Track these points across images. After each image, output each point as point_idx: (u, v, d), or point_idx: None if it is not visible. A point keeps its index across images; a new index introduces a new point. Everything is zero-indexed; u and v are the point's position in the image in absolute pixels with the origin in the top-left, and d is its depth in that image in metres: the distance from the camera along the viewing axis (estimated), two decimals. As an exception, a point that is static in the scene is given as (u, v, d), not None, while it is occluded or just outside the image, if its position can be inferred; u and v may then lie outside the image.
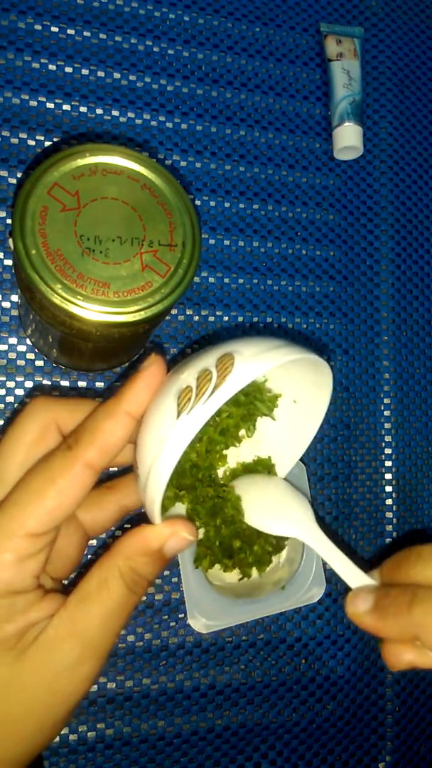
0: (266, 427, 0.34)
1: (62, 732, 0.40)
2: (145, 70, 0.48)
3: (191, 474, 0.31)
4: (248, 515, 0.32)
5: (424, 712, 0.49)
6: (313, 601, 0.43)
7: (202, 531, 0.32)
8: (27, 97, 0.44)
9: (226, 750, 0.44)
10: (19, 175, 0.43)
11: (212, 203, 0.48)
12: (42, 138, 0.44)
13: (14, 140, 0.43)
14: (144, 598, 0.42)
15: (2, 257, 0.43)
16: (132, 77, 0.47)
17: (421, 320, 0.54)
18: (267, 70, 0.52)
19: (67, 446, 0.26)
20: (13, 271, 0.42)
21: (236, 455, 0.34)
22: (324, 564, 0.45)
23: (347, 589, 0.31)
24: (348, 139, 0.51)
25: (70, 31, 0.46)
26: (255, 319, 0.48)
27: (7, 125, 0.43)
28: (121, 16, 0.48)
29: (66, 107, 0.45)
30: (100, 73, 0.46)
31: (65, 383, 0.43)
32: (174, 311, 0.46)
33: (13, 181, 0.43)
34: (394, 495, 0.51)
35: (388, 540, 0.50)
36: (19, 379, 0.42)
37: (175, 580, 0.43)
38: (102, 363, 0.41)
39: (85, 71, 0.46)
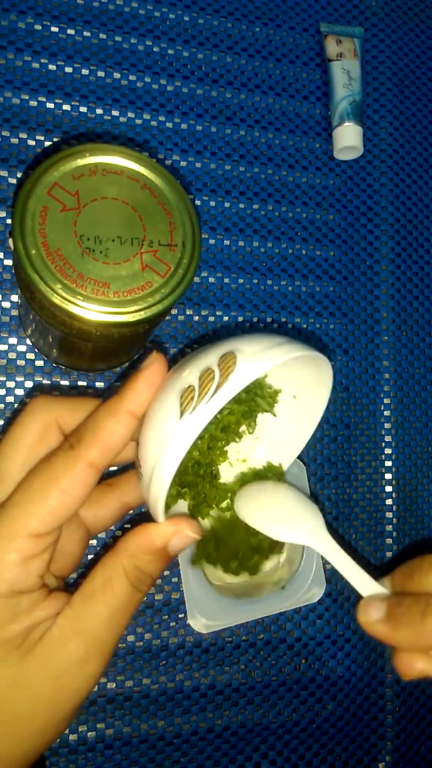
0: (266, 423, 0.34)
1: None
2: (145, 70, 0.48)
3: (193, 471, 0.32)
4: (259, 522, 0.32)
5: (424, 712, 0.49)
6: (313, 601, 0.43)
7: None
8: (27, 97, 0.44)
9: (226, 750, 0.44)
10: (19, 175, 0.43)
11: (212, 203, 0.48)
12: (42, 138, 0.44)
13: (14, 140, 0.43)
14: (144, 597, 0.42)
15: (2, 257, 0.43)
16: (132, 77, 0.47)
17: (421, 320, 0.54)
18: (267, 70, 0.52)
19: (69, 446, 0.26)
20: (13, 271, 0.42)
21: (236, 451, 0.34)
22: (324, 564, 0.45)
23: (358, 597, 0.31)
24: (348, 139, 0.51)
25: (70, 31, 0.46)
26: (255, 319, 0.48)
27: (7, 125, 0.43)
28: (121, 16, 0.48)
29: (66, 107, 0.45)
30: (100, 73, 0.46)
31: (65, 383, 0.43)
32: (174, 311, 0.46)
33: (13, 181, 0.43)
34: (394, 495, 0.51)
35: (388, 540, 0.50)
36: (19, 379, 0.42)
37: (175, 580, 0.43)
38: (102, 363, 0.41)
39: (85, 71, 0.46)
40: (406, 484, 0.51)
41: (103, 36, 0.47)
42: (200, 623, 0.41)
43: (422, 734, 0.49)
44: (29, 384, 0.42)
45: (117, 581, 0.26)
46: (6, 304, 0.42)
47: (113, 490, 0.32)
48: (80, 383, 0.43)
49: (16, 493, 0.26)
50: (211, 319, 0.47)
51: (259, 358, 0.25)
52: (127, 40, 0.48)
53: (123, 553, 0.27)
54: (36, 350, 0.42)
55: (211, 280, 0.47)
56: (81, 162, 0.30)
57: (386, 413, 0.51)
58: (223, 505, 0.33)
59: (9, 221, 0.43)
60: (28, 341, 0.42)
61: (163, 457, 0.25)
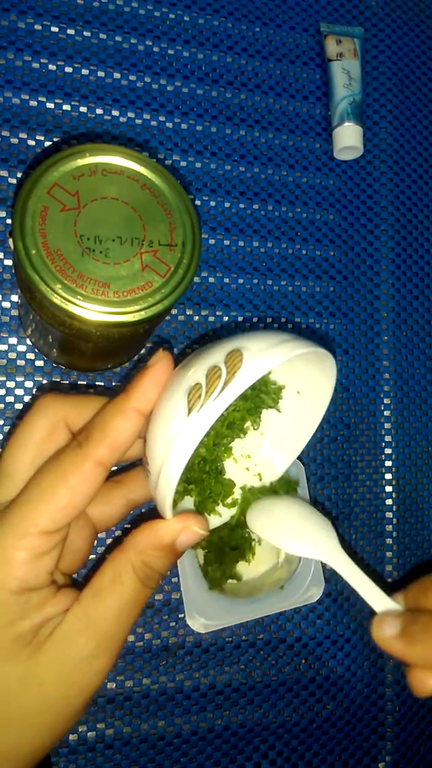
0: (271, 419, 0.34)
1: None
2: (145, 70, 0.48)
3: (199, 467, 0.32)
4: (272, 536, 0.32)
5: (424, 712, 0.49)
6: (312, 600, 0.43)
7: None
8: (27, 97, 0.44)
9: (226, 750, 0.44)
10: (19, 175, 0.43)
11: (212, 203, 0.48)
12: (42, 138, 0.44)
13: (14, 140, 0.43)
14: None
15: (2, 257, 0.43)
16: (132, 77, 0.47)
17: (421, 320, 0.54)
18: (267, 70, 0.52)
19: (78, 444, 0.26)
20: (13, 271, 0.42)
21: (241, 447, 0.35)
22: (323, 564, 0.45)
23: (372, 613, 0.31)
24: (348, 139, 0.51)
25: (70, 31, 0.46)
26: (255, 319, 0.48)
27: (7, 125, 0.43)
28: (121, 16, 0.48)
29: (66, 107, 0.45)
30: (100, 73, 0.46)
31: (65, 383, 0.43)
32: (174, 311, 0.46)
33: (13, 181, 0.43)
34: (394, 495, 0.51)
35: (388, 540, 0.50)
36: (19, 379, 0.42)
37: (175, 580, 0.43)
38: (102, 363, 0.41)
39: (85, 71, 0.46)
40: (406, 484, 0.51)
41: (103, 36, 0.47)
42: (198, 623, 0.41)
43: (422, 734, 0.49)
44: (29, 384, 0.42)
45: (126, 577, 0.26)
46: (6, 304, 0.42)
47: (120, 487, 0.32)
48: (80, 383, 0.43)
49: (25, 491, 0.26)
50: (211, 319, 0.47)
51: (266, 355, 0.25)
52: (127, 40, 0.48)
53: (131, 549, 0.27)
54: (36, 350, 0.42)
55: (211, 280, 0.47)
56: (81, 162, 0.30)
57: (386, 413, 0.51)
58: (228, 500, 0.33)
59: (9, 221, 0.43)
60: (28, 341, 0.42)
61: (171, 455, 0.25)
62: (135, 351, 0.43)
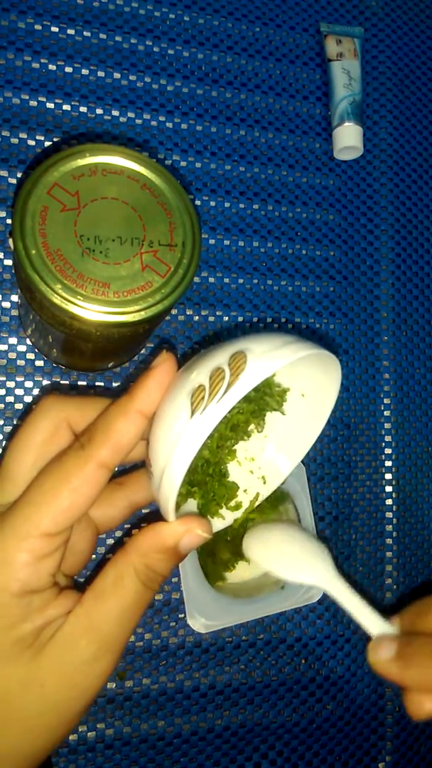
0: (275, 421, 0.34)
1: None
2: (145, 70, 0.48)
3: (202, 470, 0.32)
4: (268, 563, 0.32)
5: (424, 712, 0.49)
6: (312, 601, 0.43)
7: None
8: (27, 97, 0.44)
9: (226, 750, 0.44)
10: (19, 175, 0.43)
11: (212, 203, 0.48)
12: (42, 138, 0.44)
13: (14, 140, 0.43)
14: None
15: (2, 257, 0.43)
16: (132, 77, 0.47)
17: (421, 320, 0.54)
18: (267, 70, 0.52)
19: (80, 445, 0.26)
20: (13, 271, 0.42)
21: (245, 449, 0.34)
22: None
23: (368, 637, 0.31)
24: (348, 139, 0.51)
25: (70, 31, 0.46)
26: (255, 319, 0.48)
27: (7, 125, 0.43)
28: (121, 16, 0.48)
29: (66, 107, 0.45)
30: (100, 73, 0.46)
31: (65, 383, 0.43)
32: (174, 311, 0.46)
33: (13, 181, 0.43)
34: (394, 495, 0.51)
35: (388, 540, 0.50)
36: (19, 379, 0.42)
37: (175, 580, 0.43)
38: (102, 363, 0.41)
39: (85, 71, 0.46)
40: (406, 484, 0.51)
41: (103, 36, 0.47)
42: (199, 623, 0.41)
43: (422, 734, 0.49)
44: (29, 384, 0.42)
45: (128, 580, 0.26)
46: (6, 304, 0.42)
47: (122, 489, 0.32)
48: (80, 383, 0.43)
49: (27, 492, 0.26)
50: (211, 319, 0.47)
51: (269, 357, 0.25)
52: (127, 40, 0.48)
53: (134, 551, 0.27)
54: (36, 350, 0.42)
55: (211, 280, 0.47)
56: (81, 162, 0.30)
57: (386, 413, 0.51)
58: (232, 503, 0.33)
59: (9, 221, 0.43)
60: (28, 341, 0.42)
61: (173, 457, 0.25)
62: (135, 351, 0.43)
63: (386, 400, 0.52)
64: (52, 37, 0.46)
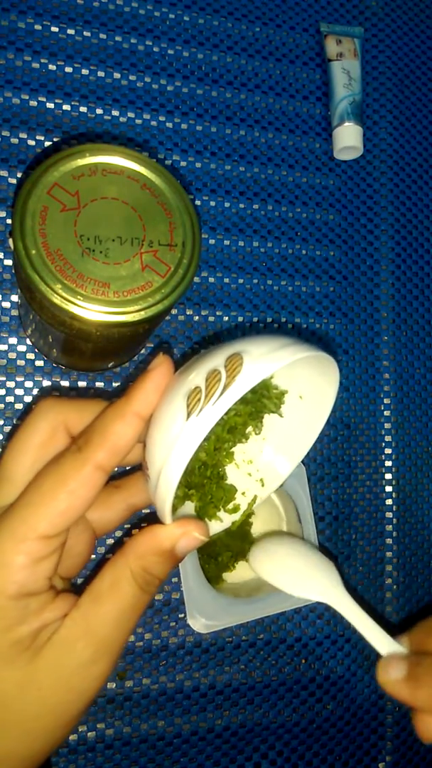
0: (273, 424, 0.34)
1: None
2: (145, 70, 0.48)
3: (200, 472, 0.32)
4: (275, 579, 0.32)
5: (424, 712, 0.49)
6: (312, 601, 0.43)
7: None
8: (27, 97, 0.44)
9: (226, 750, 0.44)
10: (19, 175, 0.43)
11: (212, 203, 0.48)
12: (42, 138, 0.44)
13: (14, 140, 0.43)
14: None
15: (2, 257, 0.43)
16: (132, 77, 0.47)
17: (421, 320, 0.54)
18: (267, 70, 0.52)
19: (77, 448, 0.26)
20: (13, 271, 0.42)
21: (243, 452, 0.34)
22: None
23: (377, 655, 0.31)
24: (348, 139, 0.51)
25: (70, 31, 0.46)
26: (255, 319, 0.48)
27: (7, 125, 0.43)
28: (121, 16, 0.48)
29: (66, 107, 0.45)
30: (100, 73, 0.46)
31: (65, 383, 0.43)
32: (174, 311, 0.46)
33: (13, 181, 0.43)
34: (394, 495, 0.51)
35: (388, 540, 0.50)
36: (19, 379, 0.42)
37: (175, 579, 0.43)
38: (102, 363, 0.41)
39: (85, 71, 0.46)
40: (406, 484, 0.51)
41: (103, 36, 0.47)
42: (200, 623, 0.41)
43: (422, 734, 0.49)
44: (29, 384, 0.42)
45: (124, 582, 0.26)
46: (6, 304, 0.42)
47: (120, 492, 0.32)
48: (80, 383, 0.43)
49: (24, 495, 0.26)
50: (211, 319, 0.47)
51: (266, 359, 0.25)
52: (127, 40, 0.48)
53: (131, 554, 0.27)
54: (36, 350, 0.42)
55: (211, 280, 0.47)
56: (81, 162, 0.30)
57: (386, 413, 0.51)
58: (230, 506, 0.33)
59: (9, 221, 0.43)
60: (28, 341, 0.42)
61: (170, 459, 0.25)
62: (135, 351, 0.43)
63: (386, 400, 0.52)
64: (52, 37, 0.46)
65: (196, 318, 0.47)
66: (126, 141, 0.47)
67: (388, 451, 0.51)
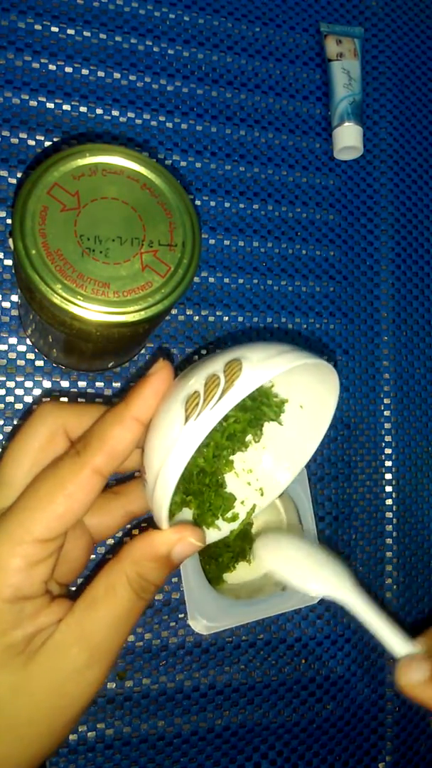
0: (274, 433, 0.34)
1: (62, 732, 0.40)
2: (145, 70, 0.48)
3: (198, 480, 0.31)
4: (285, 572, 0.31)
5: (424, 712, 0.49)
6: (312, 601, 0.43)
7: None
8: (27, 97, 0.44)
9: (226, 750, 0.44)
10: (19, 175, 0.43)
11: (212, 203, 0.48)
12: (42, 138, 0.44)
13: (14, 140, 0.43)
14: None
15: (2, 257, 0.43)
16: (132, 77, 0.47)
17: (421, 320, 0.54)
18: (267, 70, 0.52)
19: (76, 452, 0.26)
20: (13, 271, 0.42)
21: (243, 461, 0.34)
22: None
23: (393, 657, 0.30)
24: (348, 139, 0.51)
25: (70, 31, 0.46)
26: (255, 319, 0.48)
27: (7, 125, 0.43)
28: (121, 16, 0.48)
29: (66, 107, 0.45)
30: (100, 73, 0.46)
31: (65, 383, 0.43)
32: (174, 311, 0.46)
33: (13, 181, 0.43)
34: (394, 495, 0.51)
35: (388, 540, 0.50)
36: (19, 379, 0.42)
37: (175, 580, 0.43)
38: (102, 363, 0.41)
39: (85, 71, 0.46)
40: (406, 484, 0.51)
41: (103, 36, 0.47)
42: (201, 624, 0.41)
43: (422, 734, 0.49)
44: (29, 384, 0.42)
45: (120, 588, 0.26)
46: (6, 304, 0.42)
47: (118, 498, 0.32)
48: (80, 383, 0.43)
49: (22, 498, 0.26)
50: (211, 319, 0.47)
51: (265, 366, 0.25)
52: (127, 40, 0.48)
53: (126, 559, 0.27)
54: (36, 350, 0.42)
55: (211, 280, 0.47)
56: (81, 162, 0.30)
57: (386, 413, 0.51)
58: (229, 515, 0.33)
59: (9, 221, 0.43)
60: (28, 341, 0.42)
61: (167, 463, 0.25)
62: (135, 351, 0.43)
63: (386, 400, 0.52)
64: (52, 37, 0.46)
65: (196, 318, 0.47)
66: (126, 141, 0.47)
67: (388, 451, 0.51)
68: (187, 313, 0.46)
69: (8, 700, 0.25)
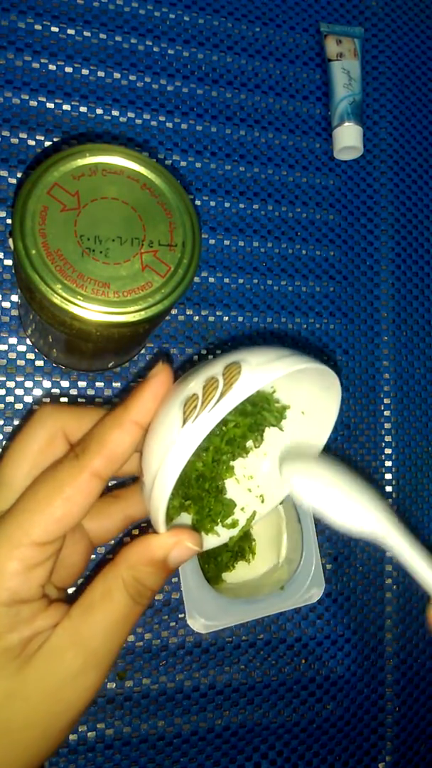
0: (275, 439, 0.34)
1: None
2: (145, 70, 0.48)
3: (198, 485, 0.31)
4: (319, 501, 0.28)
5: (424, 712, 0.49)
6: (312, 601, 0.43)
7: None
8: (27, 97, 0.44)
9: (226, 750, 0.44)
10: (19, 175, 0.43)
11: (212, 203, 0.48)
12: (42, 138, 0.44)
13: (14, 140, 0.43)
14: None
15: (2, 257, 0.43)
16: (132, 77, 0.47)
17: (421, 320, 0.54)
18: (267, 70, 0.52)
19: (75, 455, 0.26)
20: (13, 271, 0.42)
21: (244, 467, 0.34)
22: (323, 564, 0.45)
23: (427, 597, 0.28)
24: (348, 139, 0.51)
25: (70, 31, 0.46)
26: (255, 319, 0.48)
27: (7, 125, 0.43)
28: (121, 16, 0.48)
29: (66, 107, 0.45)
30: (100, 73, 0.46)
31: (65, 383, 0.43)
32: (174, 311, 0.46)
33: (13, 181, 0.43)
34: (394, 495, 0.51)
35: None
36: (19, 379, 0.42)
37: (175, 580, 0.43)
38: (102, 363, 0.41)
39: (85, 71, 0.46)
40: (406, 484, 0.51)
41: (103, 36, 0.47)
42: (199, 623, 0.41)
43: (422, 734, 0.49)
44: (29, 384, 0.42)
45: (116, 593, 0.26)
46: (6, 304, 0.42)
47: (118, 502, 0.32)
48: (80, 383, 0.43)
49: (20, 500, 0.26)
50: (211, 319, 0.47)
51: (264, 369, 0.25)
52: (127, 40, 0.48)
53: (123, 564, 0.26)
54: (36, 350, 0.42)
55: (211, 280, 0.47)
56: (81, 162, 0.30)
57: (386, 413, 0.51)
58: (228, 521, 0.32)
59: (9, 221, 0.43)
60: (28, 341, 0.42)
61: (164, 465, 0.24)
62: (135, 351, 0.43)
63: (386, 400, 0.52)
64: (52, 37, 0.46)
65: (196, 318, 0.47)
66: (126, 141, 0.47)
67: (388, 451, 0.51)
68: (187, 313, 0.46)
69: (2, 704, 0.25)
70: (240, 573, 0.44)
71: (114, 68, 0.47)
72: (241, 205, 0.49)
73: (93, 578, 0.27)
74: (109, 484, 0.42)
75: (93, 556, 0.42)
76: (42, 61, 0.45)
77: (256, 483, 0.34)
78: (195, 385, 0.25)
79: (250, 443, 0.33)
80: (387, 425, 0.51)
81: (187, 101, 0.49)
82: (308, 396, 0.32)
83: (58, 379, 0.43)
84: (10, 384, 0.42)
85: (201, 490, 0.31)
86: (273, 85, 0.52)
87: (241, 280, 0.48)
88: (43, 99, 0.45)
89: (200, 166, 0.48)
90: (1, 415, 0.41)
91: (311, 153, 0.52)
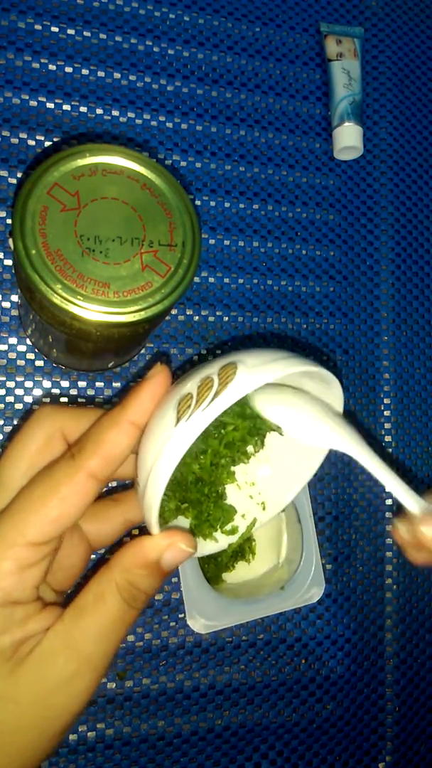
0: (277, 445, 0.33)
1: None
2: (145, 70, 0.48)
3: (197, 489, 0.31)
4: (291, 424, 0.29)
5: (424, 712, 0.49)
6: (312, 601, 0.43)
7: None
8: (27, 97, 0.44)
9: (226, 750, 0.44)
10: (19, 175, 0.43)
11: (212, 203, 0.48)
12: (42, 138, 0.44)
13: (14, 140, 0.43)
14: (139, 615, 0.42)
15: (2, 257, 0.43)
16: (132, 77, 0.47)
17: (421, 320, 0.54)
18: (267, 70, 0.52)
19: (71, 455, 0.26)
20: (13, 271, 0.42)
21: (245, 473, 0.34)
22: (323, 564, 0.45)
23: (404, 512, 0.29)
24: (348, 139, 0.51)
25: (70, 31, 0.46)
26: (255, 319, 0.48)
27: (7, 125, 0.43)
28: (121, 16, 0.48)
29: (66, 107, 0.45)
30: (100, 73, 0.46)
31: (65, 383, 0.43)
32: (174, 311, 0.46)
33: (13, 181, 0.43)
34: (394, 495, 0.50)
35: (388, 540, 0.50)
36: (19, 379, 0.42)
37: (174, 580, 0.43)
38: (102, 363, 0.41)
39: (85, 71, 0.46)
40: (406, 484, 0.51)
41: (103, 36, 0.47)
42: (199, 624, 0.41)
43: (422, 734, 0.49)
44: (29, 384, 0.42)
45: (109, 597, 0.26)
46: (6, 304, 0.42)
47: (117, 505, 0.31)
48: (80, 383, 0.43)
49: (16, 500, 0.26)
50: (211, 319, 0.47)
51: (260, 370, 0.25)
52: (127, 40, 0.48)
53: (116, 567, 0.26)
54: (36, 350, 0.42)
55: (211, 280, 0.47)
56: (81, 162, 0.30)
57: (386, 413, 0.51)
58: (228, 527, 0.32)
59: (9, 221, 0.43)
60: (28, 341, 0.42)
61: (157, 464, 0.24)
62: (135, 351, 0.43)
63: (386, 400, 0.52)
64: (52, 37, 0.46)
65: (196, 318, 0.47)
66: (126, 141, 0.47)
67: (388, 451, 0.51)
68: (187, 313, 0.46)
69: None
70: (240, 573, 0.44)
71: (114, 68, 0.47)
72: (241, 205, 0.49)
73: (90, 579, 0.27)
74: (110, 485, 0.42)
75: (93, 557, 0.42)
76: (42, 61, 0.45)
77: (258, 490, 0.34)
78: (191, 385, 0.25)
79: (250, 448, 0.33)
80: (387, 425, 0.51)
81: (187, 101, 0.49)
82: None
83: (58, 379, 0.43)
84: (10, 384, 0.42)
85: (200, 494, 0.31)
86: (273, 85, 0.52)
87: (241, 280, 0.48)
88: (43, 99, 0.45)
89: (200, 166, 0.48)
90: (1, 415, 0.41)
91: (311, 153, 0.52)
